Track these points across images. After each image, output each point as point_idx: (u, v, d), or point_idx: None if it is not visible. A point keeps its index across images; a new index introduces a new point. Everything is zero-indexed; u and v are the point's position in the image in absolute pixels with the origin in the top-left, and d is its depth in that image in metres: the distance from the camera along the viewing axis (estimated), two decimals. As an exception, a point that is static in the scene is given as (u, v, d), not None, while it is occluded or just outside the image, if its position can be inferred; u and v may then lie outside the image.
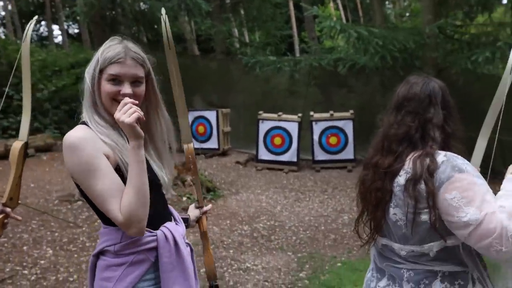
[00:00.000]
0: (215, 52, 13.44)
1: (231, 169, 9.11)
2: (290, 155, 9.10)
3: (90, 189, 1.38)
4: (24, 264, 4.17)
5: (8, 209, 1.94)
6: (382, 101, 10.07)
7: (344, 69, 9.10)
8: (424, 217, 1.45)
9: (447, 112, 1.56)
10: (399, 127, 1.54)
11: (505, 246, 1.31)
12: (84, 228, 5.22)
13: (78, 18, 9.21)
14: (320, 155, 9.11)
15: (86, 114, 1.49)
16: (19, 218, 2.09)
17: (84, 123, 1.50)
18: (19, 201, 2.05)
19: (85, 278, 4.02)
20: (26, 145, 2.03)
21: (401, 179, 1.49)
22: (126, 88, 1.49)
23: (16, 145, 1.98)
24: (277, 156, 9.14)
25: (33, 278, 3.92)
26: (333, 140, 9.05)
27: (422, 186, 1.43)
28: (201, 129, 9.96)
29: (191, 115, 10.08)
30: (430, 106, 1.54)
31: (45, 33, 27.62)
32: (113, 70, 1.49)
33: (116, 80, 1.49)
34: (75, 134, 1.41)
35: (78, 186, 1.47)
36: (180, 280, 1.49)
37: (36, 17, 2.20)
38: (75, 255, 4.49)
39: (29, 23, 2.12)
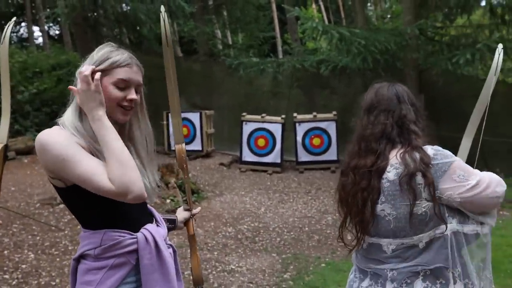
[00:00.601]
0: (198, 53, 13.43)
1: (214, 170, 9.10)
2: (274, 157, 9.13)
3: (73, 174, 1.33)
4: (5, 268, 4.10)
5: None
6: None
7: (326, 71, 9.19)
8: (420, 208, 1.51)
9: (415, 109, 1.64)
10: (374, 126, 1.60)
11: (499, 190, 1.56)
12: (66, 232, 5.16)
13: (59, 19, 9.05)
14: (303, 156, 9.16)
15: (69, 117, 1.46)
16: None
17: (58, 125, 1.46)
18: None
19: (67, 282, 3.98)
20: (5, 148, 2.02)
21: (390, 175, 1.54)
22: (133, 94, 1.48)
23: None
24: (261, 158, 9.16)
25: (14, 282, 3.86)
26: (316, 141, 9.10)
27: (419, 178, 1.49)
28: (184, 130, 9.91)
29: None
30: (400, 104, 1.61)
31: (25, 35, 27.24)
32: (122, 74, 1.46)
33: (123, 85, 1.47)
34: (46, 133, 1.37)
35: (57, 188, 1.43)
36: (161, 282, 1.48)
37: (14, 18, 2.18)
38: (57, 259, 4.44)
39: (7, 25, 2.10)
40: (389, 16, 17.06)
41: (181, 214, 1.98)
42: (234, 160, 9.78)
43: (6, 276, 4.00)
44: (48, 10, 8.81)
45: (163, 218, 1.80)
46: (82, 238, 1.50)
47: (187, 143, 10.00)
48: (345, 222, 1.69)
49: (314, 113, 9.14)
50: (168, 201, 6.61)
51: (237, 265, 4.53)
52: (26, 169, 7.66)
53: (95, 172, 1.32)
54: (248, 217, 6.40)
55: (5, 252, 4.47)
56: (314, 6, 25.30)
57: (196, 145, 9.87)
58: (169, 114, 10.31)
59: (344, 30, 7.47)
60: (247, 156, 9.22)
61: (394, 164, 1.54)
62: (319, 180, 8.58)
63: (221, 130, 10.66)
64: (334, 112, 9.07)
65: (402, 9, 9.74)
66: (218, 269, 4.39)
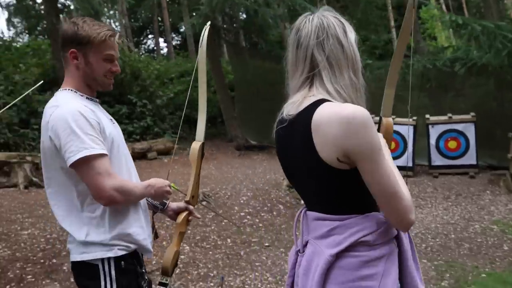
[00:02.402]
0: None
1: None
2: (405, 160, 8.69)
3: (379, 166, 1.25)
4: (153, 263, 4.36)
5: (191, 207, 2.05)
6: (503, 103, 9.35)
7: (462, 69, 8.58)
8: None
9: None
10: None
11: None
12: (212, 227, 5.38)
13: (181, 30, 9.58)
14: (437, 160, 8.63)
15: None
16: (199, 216, 2.17)
17: None
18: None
19: (223, 274, 4.13)
20: (203, 145, 2.11)
21: None
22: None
23: (195, 146, 2.08)
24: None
25: (177, 271, 4.09)
26: (452, 144, 8.52)
27: None
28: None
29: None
30: None
31: (152, 45, 29.47)
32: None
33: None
34: (364, 110, 1.28)
35: (330, 169, 1.28)
36: (415, 270, 1.40)
37: (209, 22, 2.26)
38: (210, 252, 4.62)
39: (203, 29, 2.18)
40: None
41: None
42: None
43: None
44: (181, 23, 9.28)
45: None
46: (344, 226, 1.30)
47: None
48: None
49: (449, 115, 8.57)
50: (302, 201, 6.60)
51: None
52: (167, 169, 8.17)
53: (398, 178, 1.28)
54: (386, 221, 6.16)
55: (164, 243, 4.75)
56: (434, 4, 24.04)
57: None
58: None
59: (487, 23, 6.88)
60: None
61: None
62: (456, 185, 8.01)
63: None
64: (473, 114, 8.42)
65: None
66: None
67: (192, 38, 20.00)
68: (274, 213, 6.20)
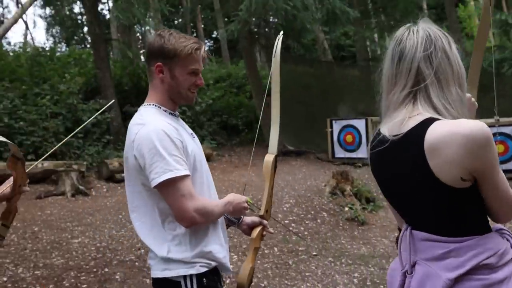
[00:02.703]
0: (354, 59, 13.25)
1: (384, 179, 8.77)
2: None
3: (500, 177, 1.24)
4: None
5: (265, 222, 2.03)
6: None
7: (510, 70, 8.31)
8: None
9: None
10: None
11: None
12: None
13: (216, 35, 9.62)
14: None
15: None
16: (272, 231, 2.13)
17: None
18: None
19: (274, 284, 4.09)
20: (276, 158, 2.07)
21: None
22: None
23: (268, 158, 2.05)
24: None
25: (227, 281, 4.08)
26: (500, 148, 8.25)
27: None
28: (349, 138, 9.79)
29: (339, 124, 9.99)
30: None
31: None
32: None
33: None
34: (482, 125, 1.22)
35: (449, 188, 1.23)
36: None
37: (282, 32, 2.23)
38: (258, 262, 4.59)
39: (277, 39, 2.16)
40: None
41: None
42: (401, 168, 9.34)
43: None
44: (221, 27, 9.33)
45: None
46: (463, 248, 1.25)
47: (352, 151, 9.92)
48: None
49: (497, 117, 8.28)
50: (346, 208, 6.51)
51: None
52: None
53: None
54: (434, 229, 5.99)
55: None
56: (472, 3, 23.54)
57: (361, 153, 9.64)
58: (333, 121, 10.38)
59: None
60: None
61: None
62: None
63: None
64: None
65: None
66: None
67: (226, 44, 20.18)
68: (319, 220, 6.13)
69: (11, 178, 1.81)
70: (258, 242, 1.98)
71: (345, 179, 7.21)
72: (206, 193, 1.78)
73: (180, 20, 23.95)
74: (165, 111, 1.76)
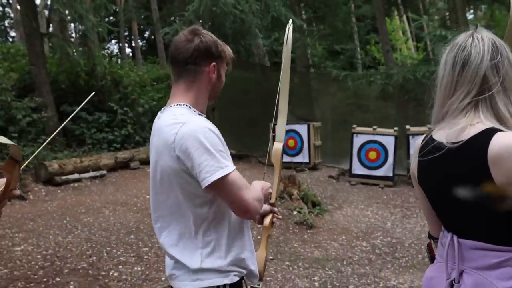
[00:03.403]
0: (292, 64, 13.52)
1: (325, 183, 9.03)
2: (386, 170, 8.90)
3: None
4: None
5: (276, 209, 2.09)
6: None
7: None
8: None
9: None
10: None
11: None
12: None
13: (157, 36, 9.45)
14: (417, 170, 8.85)
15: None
16: (280, 216, 2.17)
17: None
18: None
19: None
20: (283, 146, 2.17)
21: None
22: None
23: (277, 146, 2.12)
24: (372, 171, 8.96)
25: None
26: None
27: None
28: (291, 142, 9.97)
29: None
30: None
31: (116, 50, 28.85)
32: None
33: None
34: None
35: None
36: None
37: (291, 21, 2.24)
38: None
39: (287, 27, 2.17)
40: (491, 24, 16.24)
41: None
42: (341, 172, 9.66)
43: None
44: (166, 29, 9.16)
45: None
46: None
47: (294, 155, 10.11)
48: None
49: (429, 126, 8.81)
50: (295, 212, 6.62)
51: (397, 281, 4.42)
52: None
53: None
54: (378, 232, 6.26)
55: (167, 258, 4.64)
56: (397, 17, 24.83)
57: (303, 157, 9.85)
58: (275, 126, 10.47)
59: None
60: (357, 169, 9.06)
61: None
62: (436, 195, 8.26)
63: (324, 142, 10.58)
64: (451, 125, 8.72)
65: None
66: (381, 285, 4.30)
67: (162, 44, 19.78)
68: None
69: (2, 180, 1.67)
70: (269, 229, 2.03)
71: (292, 183, 7.32)
72: None
73: (112, 18, 23.19)
74: (194, 111, 1.69)
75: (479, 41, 1.33)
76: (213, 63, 1.70)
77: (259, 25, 9.25)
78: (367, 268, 4.77)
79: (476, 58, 1.31)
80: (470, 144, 1.27)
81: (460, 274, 1.34)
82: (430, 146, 1.37)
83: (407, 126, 8.97)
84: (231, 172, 1.57)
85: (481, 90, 1.30)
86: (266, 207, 2.03)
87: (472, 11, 20.91)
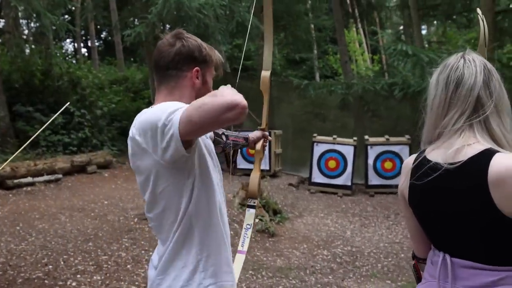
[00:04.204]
0: (253, 70, 13.52)
1: (285, 191, 9.08)
2: (345, 179, 9.06)
3: None
4: (137, 283, 4.13)
5: (266, 133, 2.33)
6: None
7: (399, 94, 9.14)
8: None
9: None
10: None
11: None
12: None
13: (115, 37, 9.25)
14: (374, 179, 9.06)
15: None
16: (271, 138, 2.40)
17: None
18: None
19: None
20: (271, 75, 2.31)
21: None
22: None
23: (265, 74, 2.23)
24: (331, 180, 9.09)
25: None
26: (388, 165, 9.00)
27: None
28: (252, 150, 9.96)
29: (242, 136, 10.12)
30: None
31: (71, 50, 27.98)
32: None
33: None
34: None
35: (497, 219, 1.27)
36: None
37: None
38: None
39: None
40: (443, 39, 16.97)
41: (253, 134, 2.29)
42: (300, 180, 9.75)
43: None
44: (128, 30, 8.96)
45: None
46: None
47: (253, 162, 10.10)
48: None
49: (387, 136, 9.06)
50: (256, 220, 6.60)
51: (360, 290, 4.47)
52: (109, 183, 7.78)
53: None
54: (338, 240, 6.33)
55: (128, 266, 4.50)
56: (354, 29, 25.42)
57: (264, 165, 9.86)
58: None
59: (433, 54, 7.42)
60: (317, 177, 9.17)
61: None
62: (392, 204, 8.45)
63: (284, 150, 10.64)
64: (408, 136, 8.97)
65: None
66: (344, 294, 4.34)
67: (121, 46, 19.33)
68: (232, 232, 6.10)
69: None
70: (261, 153, 2.27)
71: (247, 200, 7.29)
72: (220, 200, 1.69)
73: (67, 16, 22.49)
74: None
75: (471, 62, 1.36)
76: (196, 68, 1.63)
77: (224, 30, 9.20)
78: (330, 277, 4.81)
79: (470, 79, 1.33)
80: (469, 164, 1.27)
81: None
82: (425, 168, 1.36)
83: (366, 137, 9.18)
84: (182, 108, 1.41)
85: (475, 110, 1.32)
86: (257, 133, 2.26)
87: (425, 26, 21.68)
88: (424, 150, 1.43)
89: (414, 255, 1.60)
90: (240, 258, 2.01)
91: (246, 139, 2.19)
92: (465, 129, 1.32)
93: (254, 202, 2.14)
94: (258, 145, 2.24)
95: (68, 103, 2.38)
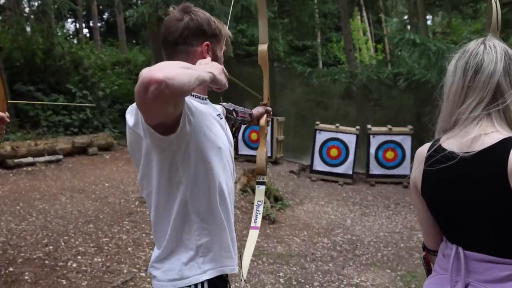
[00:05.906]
0: (249, 57, 13.41)
1: (286, 178, 9.06)
2: (346, 168, 9.03)
3: None
4: (137, 266, 4.12)
5: (269, 108, 2.31)
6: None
7: (403, 84, 9.07)
8: None
9: None
10: None
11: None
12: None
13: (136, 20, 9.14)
14: (375, 169, 9.04)
15: None
16: (271, 112, 2.37)
17: None
18: None
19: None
20: (268, 48, 2.25)
21: None
22: None
23: (262, 48, 2.16)
24: (332, 168, 9.07)
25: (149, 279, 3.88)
26: (390, 154, 8.97)
27: None
28: (254, 136, 9.92)
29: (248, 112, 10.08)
30: None
31: (72, 30, 27.77)
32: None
33: None
34: None
35: None
36: None
37: None
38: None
39: None
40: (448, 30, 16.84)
41: (256, 109, 2.29)
42: (302, 168, 9.73)
43: (142, 274, 4.02)
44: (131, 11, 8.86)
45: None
46: None
47: (255, 148, 10.06)
48: None
49: (389, 126, 9.02)
50: (257, 206, 6.58)
51: (359, 279, 4.47)
52: (111, 165, 7.74)
53: None
54: (339, 229, 6.33)
55: (129, 249, 4.49)
56: (358, 17, 25.23)
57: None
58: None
59: (441, 44, 7.33)
60: (318, 165, 9.15)
61: None
62: (393, 194, 8.45)
63: (286, 137, 10.60)
64: (410, 127, 8.93)
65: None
66: (344, 283, 4.33)
67: (123, 27, 19.17)
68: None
69: None
70: (265, 128, 2.29)
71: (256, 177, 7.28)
72: (229, 178, 1.62)
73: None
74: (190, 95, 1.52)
75: (491, 48, 1.30)
76: (206, 42, 1.55)
77: (228, 14, 9.10)
78: (330, 265, 4.80)
79: (489, 65, 1.28)
80: (488, 153, 1.23)
81: (466, 286, 1.30)
82: (439, 156, 1.32)
83: (369, 126, 9.13)
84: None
85: (494, 98, 1.27)
86: (259, 108, 2.25)
87: (430, 16, 21.53)
88: (439, 139, 1.39)
89: (425, 246, 1.56)
90: (254, 234, 2.01)
91: (251, 115, 2.20)
92: (482, 117, 1.28)
93: (263, 178, 2.14)
94: (262, 120, 2.23)
95: (94, 104, 2.34)
